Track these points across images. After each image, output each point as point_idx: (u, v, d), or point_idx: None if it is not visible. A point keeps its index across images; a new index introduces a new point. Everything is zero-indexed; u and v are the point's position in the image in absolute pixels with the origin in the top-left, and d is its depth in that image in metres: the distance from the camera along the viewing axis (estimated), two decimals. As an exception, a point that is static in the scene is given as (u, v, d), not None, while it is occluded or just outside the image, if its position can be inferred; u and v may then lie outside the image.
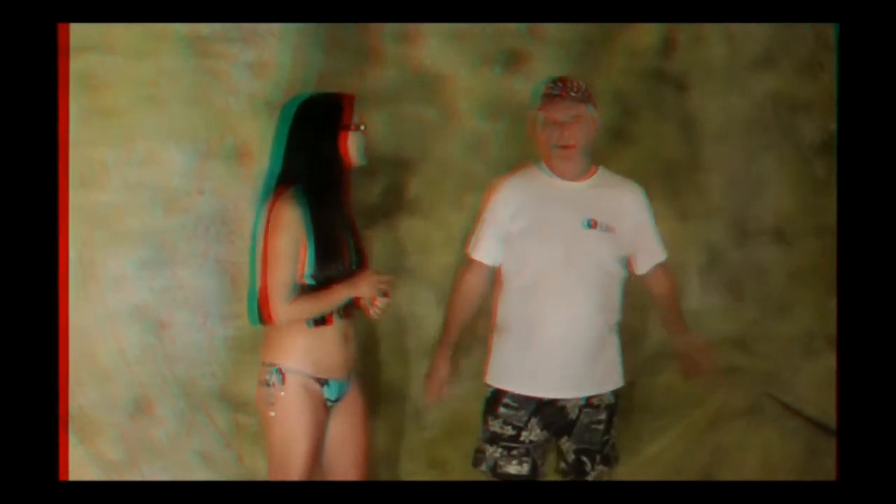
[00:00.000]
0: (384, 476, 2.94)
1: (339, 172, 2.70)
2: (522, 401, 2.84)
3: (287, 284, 2.60)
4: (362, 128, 2.68)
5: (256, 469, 2.98)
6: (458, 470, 3.23)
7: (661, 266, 2.98)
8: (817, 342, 3.66)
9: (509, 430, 2.85)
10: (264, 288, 2.63)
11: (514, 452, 2.85)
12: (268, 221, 2.60)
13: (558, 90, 2.79)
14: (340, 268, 2.65)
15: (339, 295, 2.65)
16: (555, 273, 2.80)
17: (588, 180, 2.88)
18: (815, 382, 3.63)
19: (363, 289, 2.66)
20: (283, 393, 2.67)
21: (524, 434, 2.84)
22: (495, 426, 2.86)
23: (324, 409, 2.71)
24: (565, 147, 2.79)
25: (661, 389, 3.42)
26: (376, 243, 3.04)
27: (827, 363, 3.50)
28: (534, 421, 2.84)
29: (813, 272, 3.62)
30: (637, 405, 3.08)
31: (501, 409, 2.86)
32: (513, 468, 2.85)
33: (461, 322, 2.94)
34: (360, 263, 2.73)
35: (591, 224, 2.82)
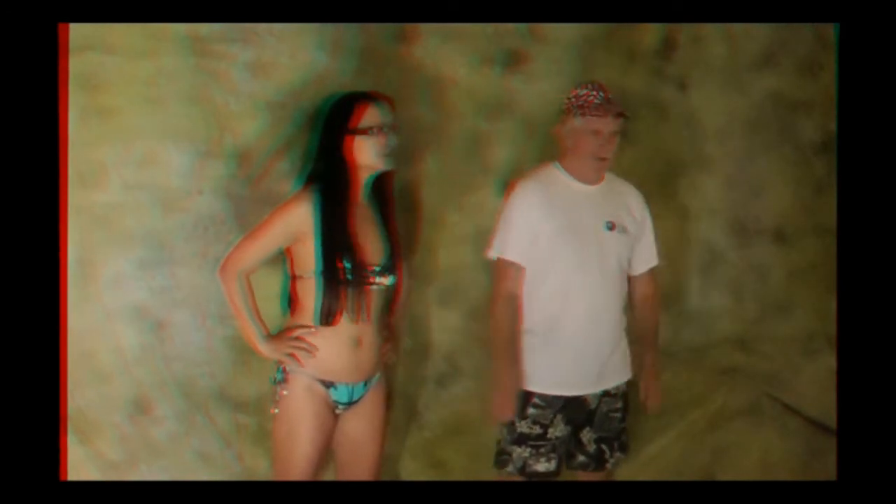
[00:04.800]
0: (385, 476, 2.94)
1: (345, 176, 2.70)
2: (551, 399, 2.88)
3: (249, 258, 2.66)
4: (378, 131, 2.66)
5: (256, 469, 2.98)
6: (459, 470, 3.24)
7: (652, 271, 3.06)
8: (817, 342, 3.66)
9: (537, 430, 2.88)
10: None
11: (542, 450, 2.88)
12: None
13: (602, 100, 2.83)
14: (349, 266, 2.65)
15: (248, 327, 2.69)
16: (582, 274, 2.85)
17: (601, 184, 2.94)
18: (815, 382, 3.63)
19: (266, 348, 2.69)
20: (285, 392, 2.68)
21: (550, 431, 2.88)
22: (523, 427, 2.89)
23: (329, 412, 2.71)
24: (604, 159, 2.86)
25: (662, 389, 3.41)
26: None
27: (827, 363, 3.51)
28: (559, 417, 2.89)
29: (813, 272, 3.61)
30: (637, 405, 3.08)
31: (530, 410, 2.88)
32: (541, 466, 2.89)
33: (515, 331, 2.88)
34: (390, 261, 2.74)
35: (611, 226, 2.90)
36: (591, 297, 2.85)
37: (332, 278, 2.64)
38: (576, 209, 2.87)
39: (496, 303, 2.89)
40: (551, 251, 2.84)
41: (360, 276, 2.66)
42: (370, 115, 2.67)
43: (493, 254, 2.92)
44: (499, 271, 2.90)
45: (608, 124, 2.82)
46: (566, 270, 2.84)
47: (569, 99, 2.88)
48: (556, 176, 2.91)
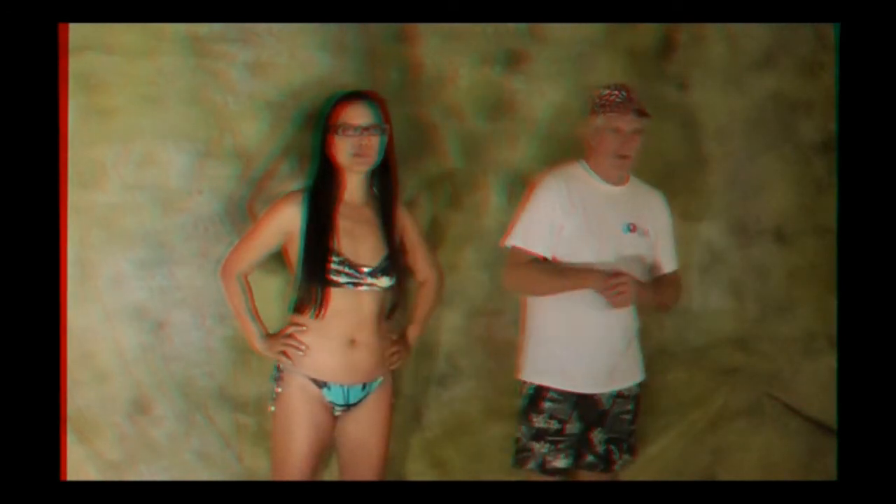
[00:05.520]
0: (386, 476, 2.93)
1: (329, 175, 2.69)
2: (565, 394, 2.89)
3: (246, 259, 2.70)
4: (349, 130, 2.64)
5: (256, 469, 2.98)
6: (460, 470, 3.23)
7: (672, 273, 3.06)
8: (818, 342, 3.66)
9: (555, 425, 2.89)
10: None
11: (561, 446, 2.90)
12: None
13: (624, 98, 2.86)
14: (332, 266, 2.64)
15: (248, 327, 2.72)
16: None
17: (625, 186, 2.96)
18: (815, 382, 3.62)
19: (262, 345, 2.72)
20: (279, 389, 2.69)
21: (568, 427, 2.90)
22: (540, 422, 2.90)
23: (325, 412, 2.71)
24: (625, 157, 2.88)
25: (662, 389, 3.42)
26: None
27: (827, 363, 3.51)
28: (574, 413, 2.91)
29: (813, 272, 3.61)
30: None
31: (546, 404, 2.90)
32: (560, 462, 2.90)
33: (538, 266, 2.86)
34: (386, 262, 2.71)
35: (631, 228, 2.92)
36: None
37: (306, 276, 2.64)
38: (597, 208, 2.89)
39: (511, 277, 2.91)
40: (569, 248, 2.85)
41: (347, 276, 2.66)
42: (346, 114, 2.66)
43: (509, 242, 2.92)
44: (513, 258, 2.90)
45: (629, 122, 2.85)
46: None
47: (592, 99, 2.91)
48: (580, 174, 2.94)
